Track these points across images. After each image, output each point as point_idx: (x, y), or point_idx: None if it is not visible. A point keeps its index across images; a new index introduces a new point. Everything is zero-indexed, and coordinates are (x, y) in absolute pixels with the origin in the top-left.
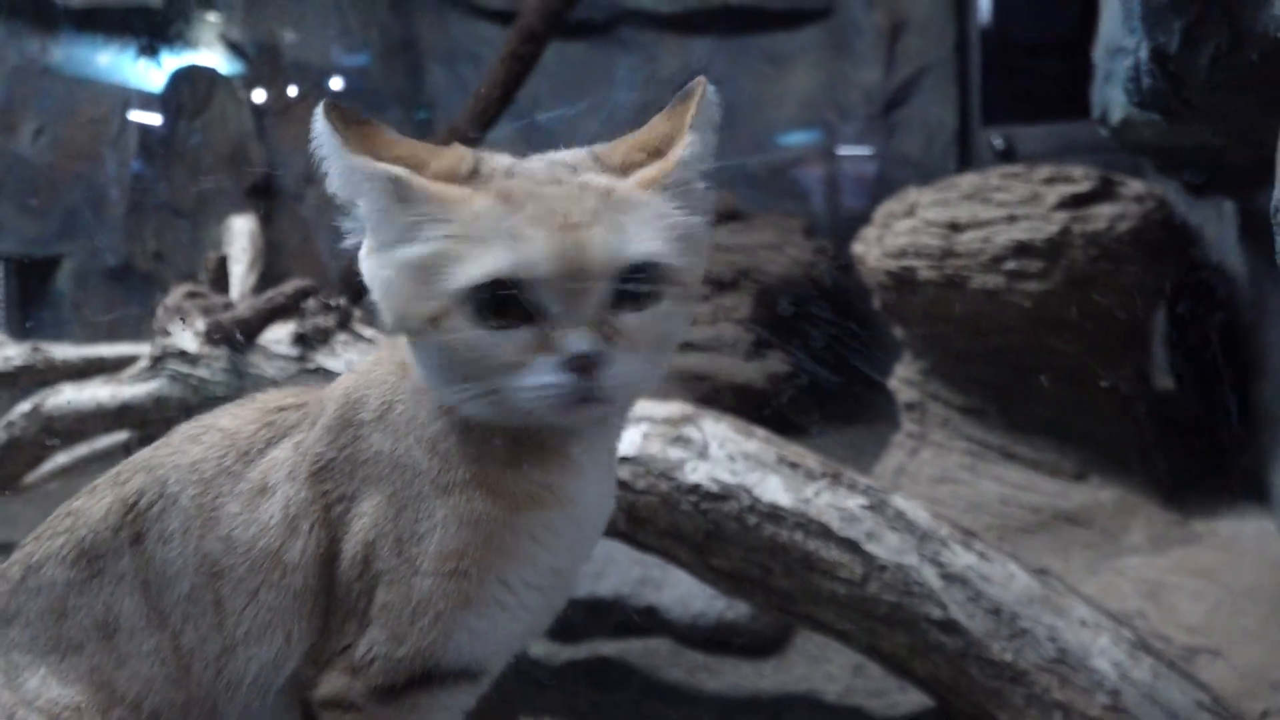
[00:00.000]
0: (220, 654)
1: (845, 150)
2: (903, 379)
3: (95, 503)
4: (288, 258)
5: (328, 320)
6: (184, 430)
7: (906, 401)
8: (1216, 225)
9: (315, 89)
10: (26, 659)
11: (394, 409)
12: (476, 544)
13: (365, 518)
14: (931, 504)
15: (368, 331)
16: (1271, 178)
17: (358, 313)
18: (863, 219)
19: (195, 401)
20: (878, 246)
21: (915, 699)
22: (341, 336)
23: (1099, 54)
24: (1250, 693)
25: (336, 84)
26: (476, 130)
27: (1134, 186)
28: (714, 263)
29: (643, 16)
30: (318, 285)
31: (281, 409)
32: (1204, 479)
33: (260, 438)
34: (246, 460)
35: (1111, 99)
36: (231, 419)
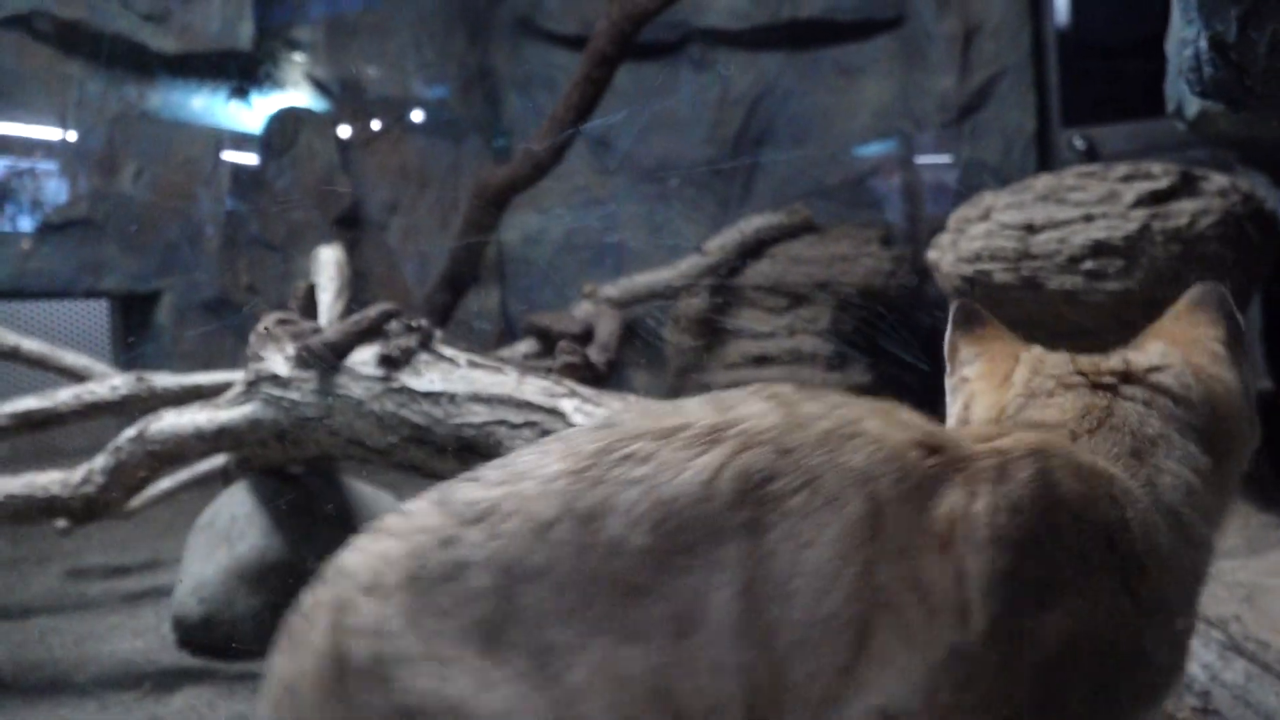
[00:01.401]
0: (823, 701)
1: (922, 159)
2: None
3: (678, 457)
4: (374, 285)
5: (410, 341)
6: (802, 409)
7: None
8: None
9: (397, 122)
10: (568, 637)
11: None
12: None
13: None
14: None
15: (448, 351)
16: None
17: (439, 334)
18: (940, 227)
19: (287, 423)
20: (952, 252)
21: None
22: (424, 357)
23: (1170, 47)
24: None
25: (417, 116)
26: (552, 155)
27: (1217, 181)
28: (791, 275)
29: (712, 34)
30: (400, 308)
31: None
32: None
33: (928, 469)
34: (920, 492)
35: (1184, 93)
36: (879, 424)
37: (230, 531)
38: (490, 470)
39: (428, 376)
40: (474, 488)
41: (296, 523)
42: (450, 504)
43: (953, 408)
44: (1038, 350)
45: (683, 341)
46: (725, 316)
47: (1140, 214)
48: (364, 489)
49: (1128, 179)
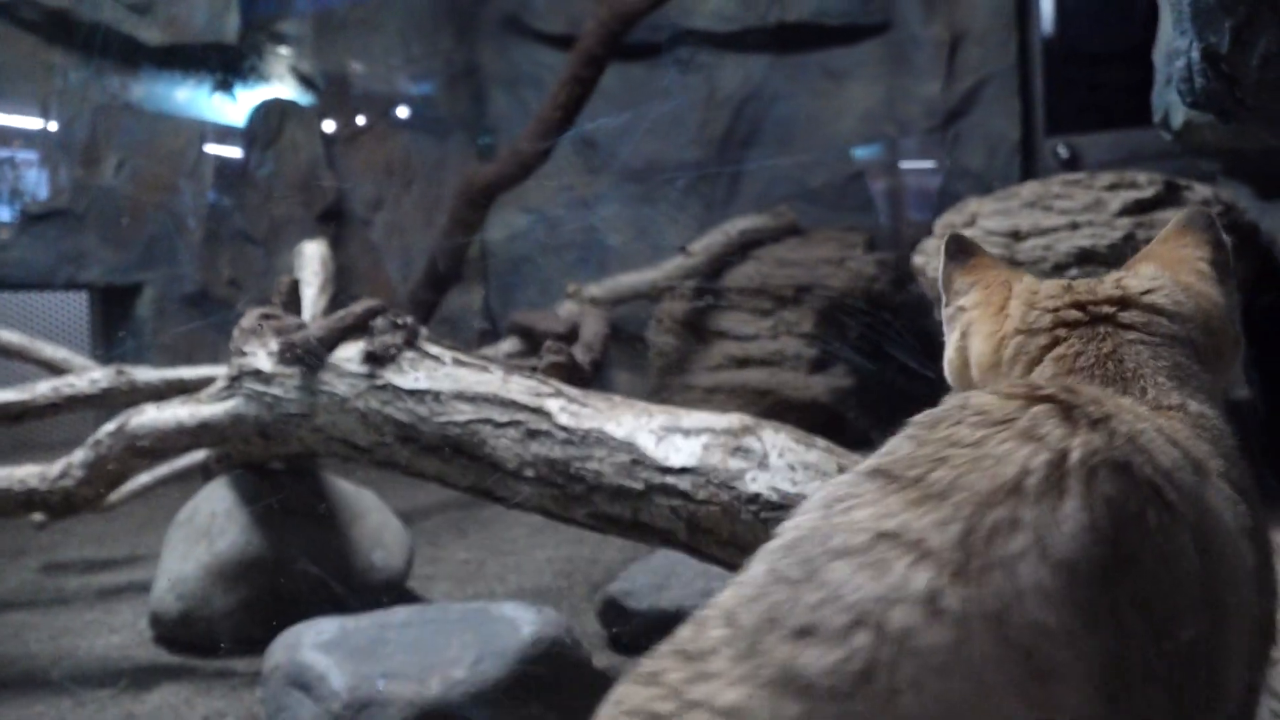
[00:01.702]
0: None
1: (906, 164)
2: None
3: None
4: (358, 280)
5: (396, 338)
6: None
7: None
8: None
9: (383, 117)
10: None
11: None
12: None
13: None
14: None
15: (434, 349)
16: None
17: (424, 331)
18: (924, 232)
19: (270, 419)
20: (937, 258)
21: None
22: (409, 354)
23: (1158, 57)
24: None
25: (403, 112)
26: (538, 153)
27: (1200, 190)
28: (776, 278)
29: (700, 36)
30: (386, 305)
31: None
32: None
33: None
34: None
35: (1172, 103)
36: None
37: (210, 528)
38: (809, 598)
39: (413, 374)
40: (818, 650)
41: (277, 520)
42: (797, 679)
43: (951, 336)
44: (1029, 280)
45: (666, 343)
46: (709, 318)
47: (1125, 222)
48: (346, 486)
49: (1113, 188)
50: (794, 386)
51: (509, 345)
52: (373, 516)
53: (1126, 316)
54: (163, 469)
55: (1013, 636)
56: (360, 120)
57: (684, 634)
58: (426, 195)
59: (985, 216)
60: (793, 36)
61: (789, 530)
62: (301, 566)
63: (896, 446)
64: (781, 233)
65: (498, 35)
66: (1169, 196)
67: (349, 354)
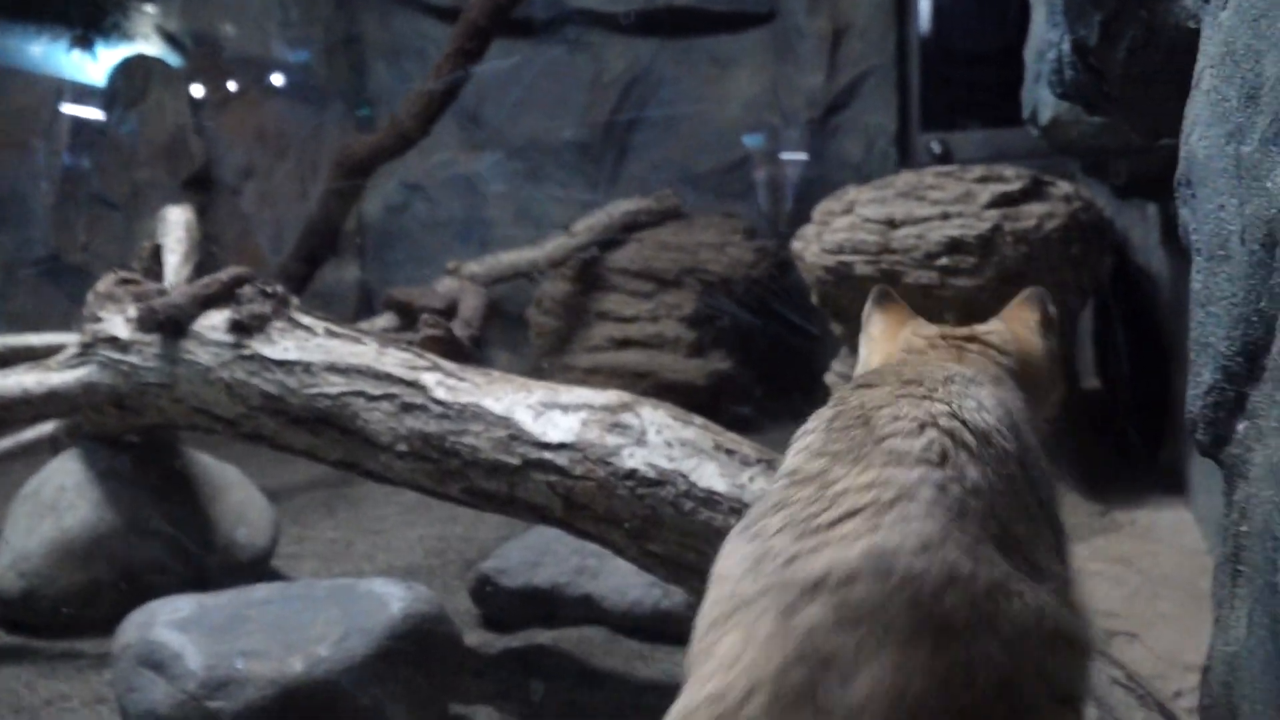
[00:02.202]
0: None
1: (787, 153)
2: (838, 373)
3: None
4: (225, 251)
5: (264, 307)
6: None
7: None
8: (1142, 228)
9: (256, 83)
10: None
11: None
12: None
13: None
14: None
15: (305, 319)
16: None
17: (295, 301)
18: (804, 219)
19: (126, 389)
20: (816, 243)
21: None
22: (278, 324)
23: (1029, 54)
24: (1164, 674)
25: (278, 79)
26: (420, 127)
27: (1062, 187)
28: (658, 261)
29: (589, 15)
30: (254, 274)
31: None
32: (1126, 472)
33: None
34: None
35: (1041, 99)
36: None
37: (57, 502)
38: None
39: (282, 344)
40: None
41: (132, 495)
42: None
43: (862, 354)
44: (917, 321)
45: (546, 323)
46: (590, 299)
47: (993, 214)
48: (208, 461)
49: (983, 180)
50: (672, 369)
51: (385, 321)
52: (236, 492)
53: (972, 345)
54: (6, 441)
55: (930, 512)
56: (232, 85)
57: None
58: (301, 165)
59: (862, 205)
60: (681, 20)
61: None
62: (157, 544)
63: (819, 437)
64: (664, 216)
65: (380, 4)
66: (1034, 191)
67: (214, 322)
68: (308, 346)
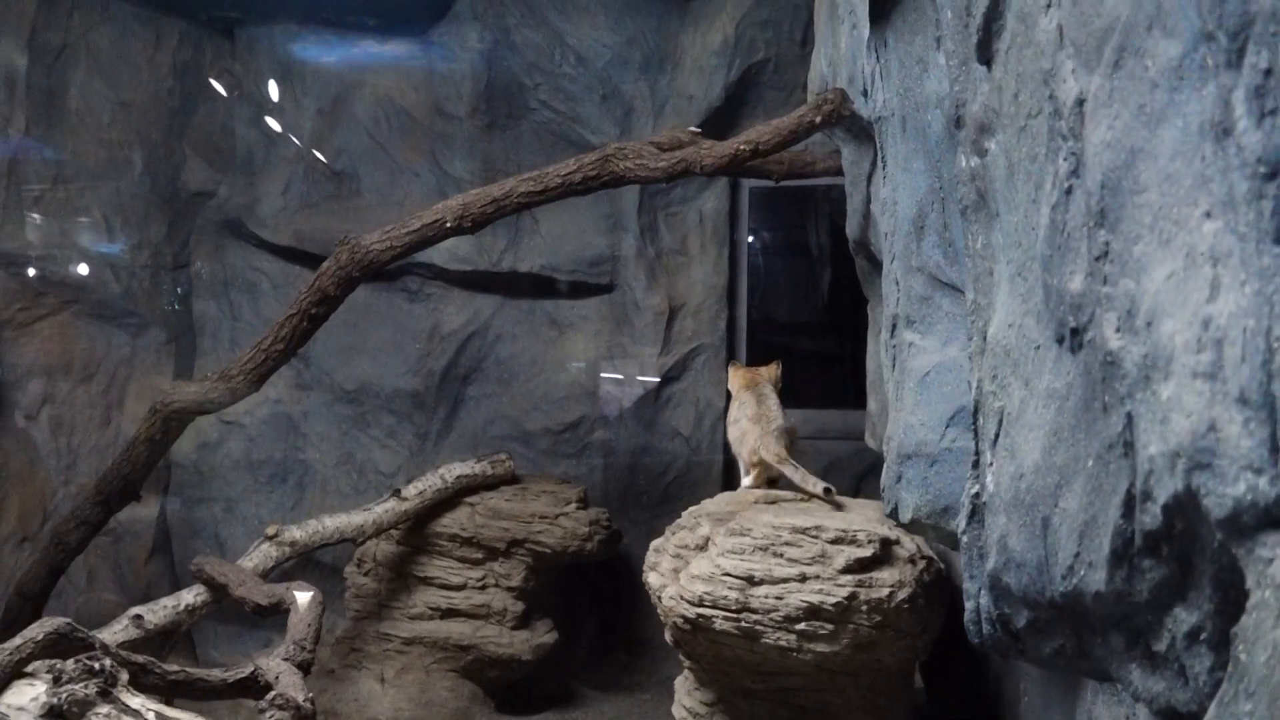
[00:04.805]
0: None
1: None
2: (687, 708)
3: None
4: (7, 482)
5: (88, 690)
6: None
7: None
8: None
9: (68, 305)
10: None
11: None
12: None
13: None
14: None
15: (135, 701)
16: None
17: (124, 676)
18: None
19: None
20: (674, 585)
21: None
22: (102, 709)
23: (889, 453)
24: None
25: (92, 303)
26: (251, 385)
27: (907, 546)
28: (489, 529)
29: (431, 269)
30: (77, 627)
31: None
32: None
33: None
34: None
35: (902, 500)
36: None
37: None
38: None
39: None
40: None
41: None
42: None
43: (731, 387)
44: (748, 369)
45: (365, 585)
46: (414, 563)
47: (848, 581)
48: None
49: (836, 542)
50: (497, 643)
51: (191, 596)
52: None
53: (760, 374)
54: None
55: None
56: (39, 309)
57: None
58: (108, 392)
59: (721, 554)
60: (523, 283)
61: None
62: None
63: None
64: (498, 481)
65: (215, 234)
66: (884, 556)
67: (23, 702)
68: None
